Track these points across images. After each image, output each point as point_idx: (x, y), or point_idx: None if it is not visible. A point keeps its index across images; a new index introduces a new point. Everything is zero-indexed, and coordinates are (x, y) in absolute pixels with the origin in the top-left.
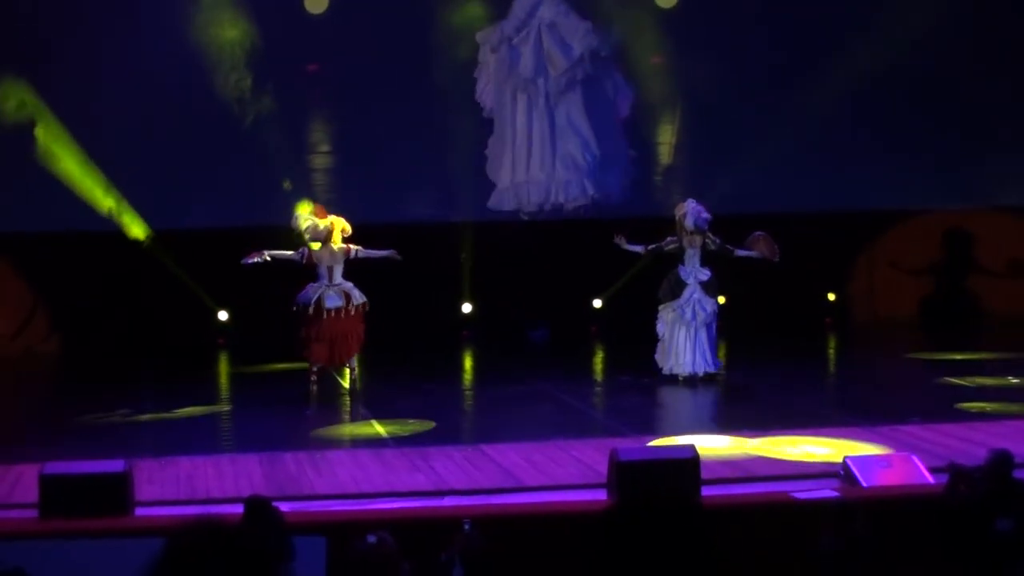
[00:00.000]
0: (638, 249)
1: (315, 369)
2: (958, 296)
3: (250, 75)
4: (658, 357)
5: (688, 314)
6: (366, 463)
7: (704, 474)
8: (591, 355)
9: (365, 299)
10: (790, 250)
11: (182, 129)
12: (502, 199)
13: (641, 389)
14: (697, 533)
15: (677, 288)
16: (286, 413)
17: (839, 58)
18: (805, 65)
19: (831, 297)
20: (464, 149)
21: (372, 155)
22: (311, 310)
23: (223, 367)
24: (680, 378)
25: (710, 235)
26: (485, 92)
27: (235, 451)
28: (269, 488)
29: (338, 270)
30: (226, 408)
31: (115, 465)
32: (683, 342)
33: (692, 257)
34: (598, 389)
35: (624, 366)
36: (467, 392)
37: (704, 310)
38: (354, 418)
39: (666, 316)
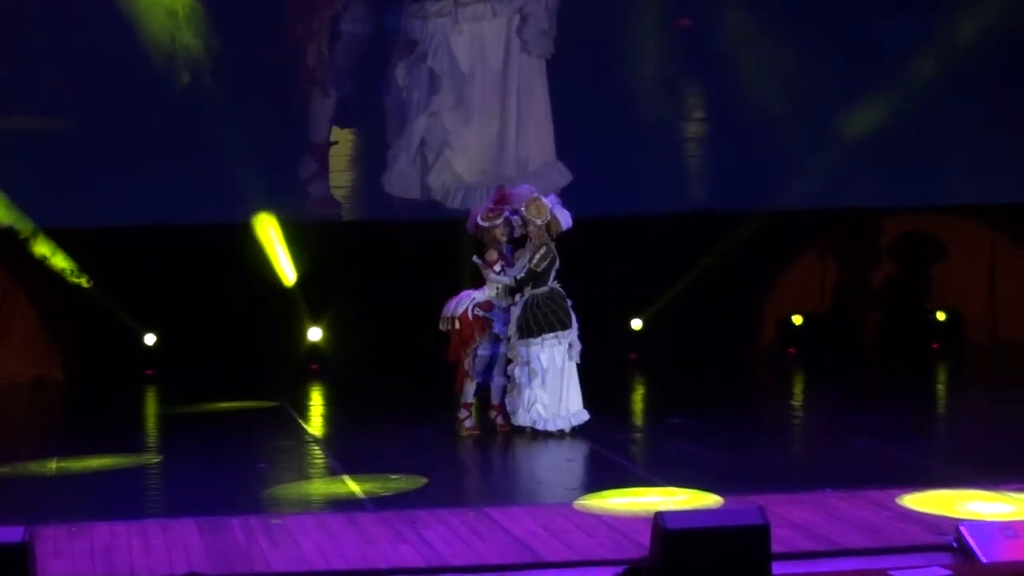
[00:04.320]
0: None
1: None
2: None
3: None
4: (528, 406)
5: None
6: (337, 531)
7: (776, 546)
8: (628, 391)
9: (458, 313)
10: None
11: (93, 102)
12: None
13: (693, 435)
14: None
15: (568, 313)
16: (232, 466)
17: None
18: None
19: (940, 316)
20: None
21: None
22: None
23: (150, 406)
24: (569, 430)
25: None
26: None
27: (167, 515)
28: (212, 564)
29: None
30: (155, 459)
31: (12, 533)
32: (574, 384)
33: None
34: (638, 435)
35: (672, 405)
36: (467, 439)
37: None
38: (322, 473)
39: (551, 350)
